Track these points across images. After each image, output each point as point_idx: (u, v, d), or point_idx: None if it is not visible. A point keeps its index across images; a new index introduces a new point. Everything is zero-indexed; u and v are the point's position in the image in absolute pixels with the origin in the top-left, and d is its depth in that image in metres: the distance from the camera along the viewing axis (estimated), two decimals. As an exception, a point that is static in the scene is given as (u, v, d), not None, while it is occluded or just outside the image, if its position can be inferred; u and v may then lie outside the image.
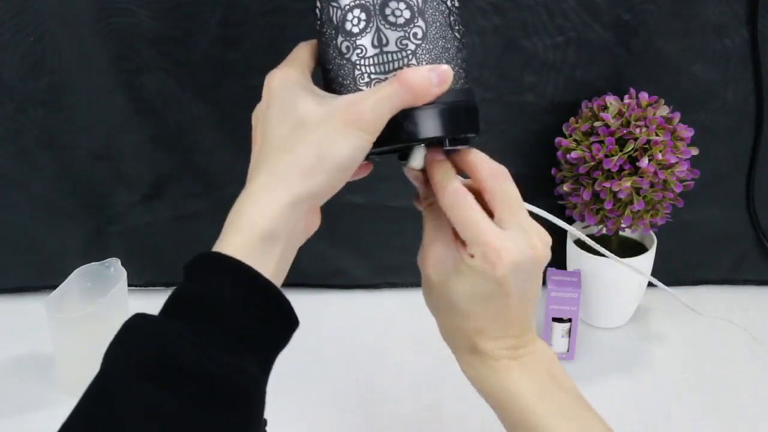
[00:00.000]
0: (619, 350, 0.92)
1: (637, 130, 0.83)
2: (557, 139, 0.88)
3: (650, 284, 0.94)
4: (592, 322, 0.95)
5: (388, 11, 0.53)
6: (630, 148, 0.82)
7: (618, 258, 0.73)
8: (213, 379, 0.44)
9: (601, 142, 0.84)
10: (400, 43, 0.53)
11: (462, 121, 0.55)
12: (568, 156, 0.86)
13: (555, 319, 0.87)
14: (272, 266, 0.50)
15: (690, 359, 0.90)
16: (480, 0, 0.86)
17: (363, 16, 0.53)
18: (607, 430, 0.57)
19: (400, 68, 0.53)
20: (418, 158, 0.56)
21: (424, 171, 0.57)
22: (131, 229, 0.98)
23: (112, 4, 0.85)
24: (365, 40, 0.53)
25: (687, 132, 0.85)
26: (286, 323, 0.50)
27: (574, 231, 0.64)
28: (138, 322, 0.47)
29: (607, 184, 0.83)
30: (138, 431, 0.42)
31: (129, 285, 0.88)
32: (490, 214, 0.55)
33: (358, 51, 0.53)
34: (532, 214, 0.56)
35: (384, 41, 0.53)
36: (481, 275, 0.53)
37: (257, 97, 0.56)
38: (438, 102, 0.53)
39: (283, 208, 0.50)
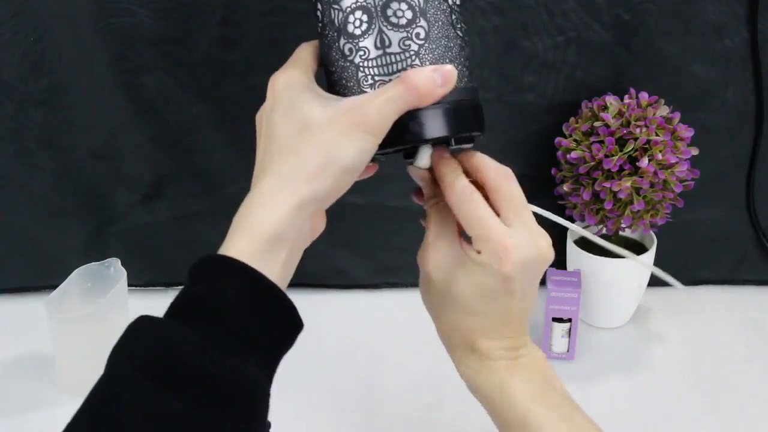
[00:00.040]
0: (619, 350, 0.92)
1: (637, 130, 0.83)
2: (557, 139, 0.88)
3: (650, 284, 0.94)
4: (592, 322, 0.95)
5: (389, 12, 0.53)
6: (630, 148, 0.83)
7: (631, 253, 0.72)
8: (217, 382, 0.45)
9: (601, 142, 0.84)
10: (403, 43, 0.53)
11: (467, 120, 0.55)
12: (568, 156, 0.86)
13: (555, 319, 0.87)
14: (278, 269, 0.50)
15: (690, 359, 0.90)
16: (480, 0, 0.86)
17: (365, 17, 0.53)
18: None
19: (404, 69, 0.53)
20: (425, 157, 0.56)
21: (429, 170, 0.58)
22: (131, 229, 0.98)
23: (112, 4, 0.85)
24: (368, 42, 0.53)
25: (687, 132, 0.85)
26: (290, 326, 0.50)
27: (577, 229, 0.64)
28: (143, 324, 0.47)
29: (607, 184, 0.83)
30: None
31: (129, 285, 0.88)
32: (496, 214, 0.55)
33: (361, 53, 0.53)
34: (534, 214, 0.57)
35: (387, 42, 0.53)
36: (488, 271, 0.54)
37: (257, 97, 0.56)
38: (443, 102, 0.53)
39: (289, 211, 0.50)
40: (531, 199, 0.57)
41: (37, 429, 0.81)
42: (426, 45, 0.53)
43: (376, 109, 0.51)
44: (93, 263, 0.87)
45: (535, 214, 0.57)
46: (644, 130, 0.83)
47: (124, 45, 0.87)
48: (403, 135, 0.53)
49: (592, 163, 0.84)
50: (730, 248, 1.00)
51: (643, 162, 0.82)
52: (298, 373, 0.82)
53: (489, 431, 0.59)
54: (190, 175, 0.96)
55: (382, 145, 0.52)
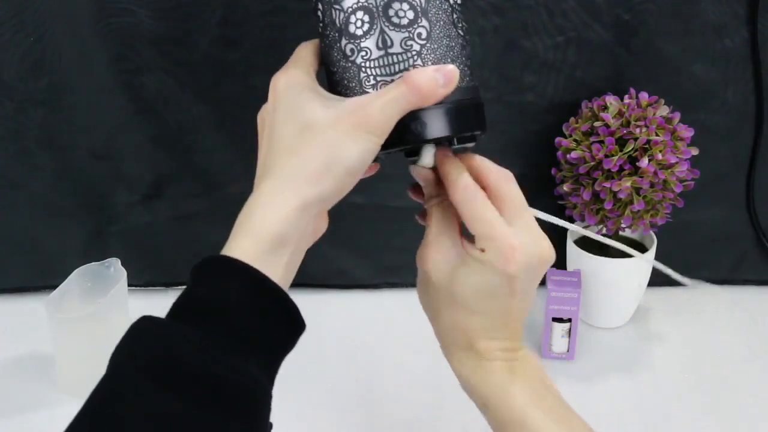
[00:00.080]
0: (619, 350, 0.92)
1: (637, 130, 0.83)
2: (557, 139, 0.88)
3: (650, 284, 0.94)
4: (592, 322, 0.95)
5: (391, 12, 0.53)
6: (630, 148, 0.82)
7: (635, 251, 0.72)
8: (219, 382, 0.45)
9: (601, 142, 0.84)
10: (405, 44, 0.53)
11: (470, 119, 0.55)
12: (568, 156, 0.86)
13: (555, 319, 0.87)
14: (281, 270, 0.50)
15: (690, 359, 0.90)
16: (480, 0, 0.86)
17: (366, 18, 0.53)
18: None
19: (406, 69, 0.53)
20: (428, 156, 0.56)
21: (432, 168, 0.58)
22: (131, 229, 0.98)
23: (112, 4, 0.85)
24: (369, 42, 0.53)
25: (687, 132, 0.85)
26: (293, 327, 0.50)
27: (577, 229, 0.64)
28: (145, 325, 0.47)
29: (607, 184, 0.83)
30: None
31: (129, 285, 0.88)
32: None
33: (363, 53, 0.53)
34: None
35: (388, 43, 0.53)
36: (491, 270, 0.54)
37: (257, 97, 0.56)
38: (445, 101, 0.53)
39: (292, 212, 0.50)
40: (531, 199, 0.57)
41: (37, 429, 0.81)
42: (428, 45, 0.53)
43: (378, 109, 0.51)
44: (93, 263, 0.87)
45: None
46: (644, 130, 0.83)
47: (124, 45, 0.87)
48: (406, 135, 0.53)
49: (592, 163, 0.84)
50: (730, 248, 1.00)
51: (643, 162, 0.82)
52: (298, 374, 0.82)
53: (489, 431, 0.59)
54: (190, 175, 0.96)
55: (385, 146, 0.52)
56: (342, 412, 0.83)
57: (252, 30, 0.87)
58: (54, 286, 0.84)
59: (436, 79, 0.52)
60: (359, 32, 0.53)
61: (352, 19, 0.53)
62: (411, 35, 0.53)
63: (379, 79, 0.53)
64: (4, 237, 0.98)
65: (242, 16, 0.86)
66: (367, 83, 0.53)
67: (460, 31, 0.55)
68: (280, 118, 0.53)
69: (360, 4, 0.53)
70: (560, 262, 0.93)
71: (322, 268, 1.00)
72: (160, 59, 0.88)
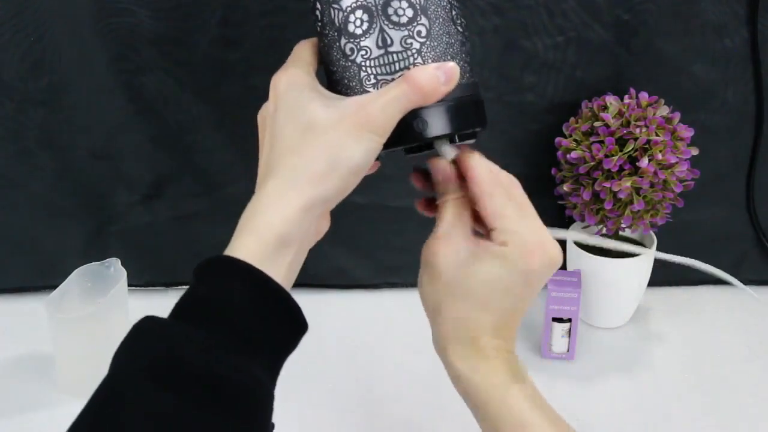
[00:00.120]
0: (619, 350, 0.92)
1: (637, 130, 0.83)
2: (557, 139, 0.88)
3: (650, 284, 0.94)
4: (592, 322, 0.95)
5: (390, 11, 0.53)
6: (630, 148, 0.82)
7: (644, 248, 0.72)
8: (221, 382, 0.45)
9: (601, 142, 0.84)
10: (405, 42, 0.53)
11: (471, 116, 0.55)
12: (568, 156, 0.86)
13: (555, 319, 0.87)
14: (283, 270, 0.50)
15: (690, 359, 0.90)
16: (480, 0, 0.86)
17: (365, 17, 0.53)
18: None
19: (407, 68, 0.53)
20: (450, 150, 0.56)
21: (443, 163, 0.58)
22: (131, 229, 0.98)
23: (112, 4, 0.85)
24: (369, 41, 0.53)
25: (687, 132, 0.85)
26: (295, 327, 0.50)
27: (617, 245, 0.65)
28: (147, 325, 0.47)
29: (607, 184, 0.83)
30: None
31: (129, 285, 0.88)
32: None
33: (363, 52, 0.53)
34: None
35: (388, 41, 0.53)
36: (511, 265, 0.54)
37: (257, 97, 0.56)
38: (446, 99, 0.53)
39: (296, 213, 0.50)
40: (531, 199, 0.57)
41: (37, 429, 0.81)
42: (428, 42, 0.53)
43: (380, 108, 0.51)
44: (93, 263, 0.87)
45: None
46: (644, 130, 0.83)
47: (124, 45, 0.87)
48: (408, 134, 0.53)
49: (592, 163, 0.84)
50: (730, 248, 1.00)
51: (643, 162, 0.82)
52: (298, 373, 0.82)
53: (489, 431, 0.59)
54: (190, 175, 0.96)
55: (387, 144, 0.52)
56: (342, 412, 0.83)
57: (252, 30, 0.87)
58: (54, 286, 0.84)
59: (437, 77, 0.52)
60: (359, 31, 0.53)
61: (351, 18, 0.53)
62: (411, 33, 0.53)
63: (379, 78, 0.53)
64: (4, 237, 0.98)
65: (242, 16, 0.86)
66: (367, 82, 0.53)
67: (459, 28, 0.55)
68: (281, 118, 0.53)
69: (359, 2, 0.53)
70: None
71: (322, 268, 1.00)
72: (160, 59, 0.88)
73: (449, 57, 0.54)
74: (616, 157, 0.83)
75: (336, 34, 0.54)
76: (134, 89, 0.90)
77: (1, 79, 0.88)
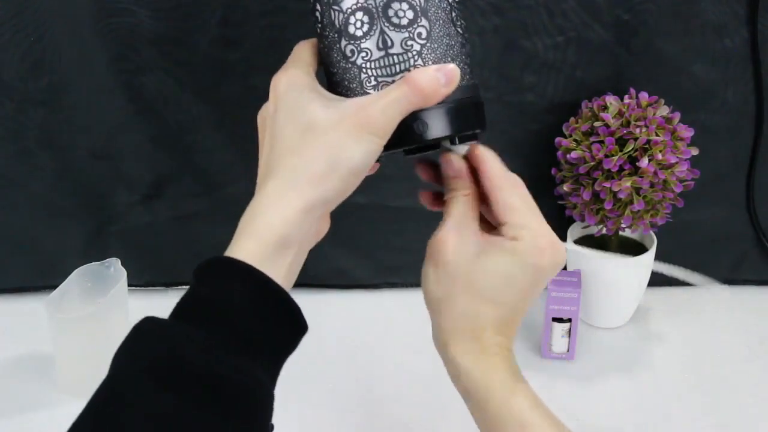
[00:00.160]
0: (619, 350, 0.92)
1: (637, 130, 0.83)
2: (557, 139, 0.88)
3: (650, 284, 0.94)
4: (592, 322, 0.95)
5: (391, 13, 0.53)
6: (630, 148, 0.82)
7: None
8: (222, 383, 0.45)
9: (601, 142, 0.84)
10: (405, 44, 0.53)
11: (471, 118, 0.55)
12: (568, 156, 0.86)
13: (555, 319, 0.87)
14: (284, 271, 0.50)
15: (690, 359, 0.90)
16: (480, 0, 0.86)
17: (366, 18, 0.53)
18: None
19: (407, 69, 0.53)
20: (462, 145, 0.57)
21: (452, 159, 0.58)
22: (131, 229, 0.98)
23: (112, 4, 0.85)
24: (370, 43, 0.53)
25: (687, 132, 0.85)
26: (295, 328, 0.50)
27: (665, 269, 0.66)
28: (147, 325, 0.47)
29: (607, 184, 0.83)
30: None
31: (129, 285, 0.88)
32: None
33: (363, 54, 0.53)
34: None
35: (389, 43, 0.53)
36: (521, 259, 0.54)
37: (257, 97, 0.56)
38: (446, 101, 0.53)
39: (296, 214, 0.50)
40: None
41: (37, 429, 0.81)
42: (428, 44, 0.53)
43: (380, 110, 0.51)
44: (93, 263, 0.87)
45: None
46: (644, 130, 0.83)
47: (124, 45, 0.87)
48: (409, 136, 0.53)
49: (592, 163, 0.84)
50: (730, 248, 1.00)
51: (643, 162, 0.82)
52: (298, 373, 0.82)
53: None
54: (190, 175, 0.96)
55: (387, 146, 0.52)
56: (342, 412, 0.83)
57: (252, 30, 0.87)
58: (54, 286, 0.84)
59: (438, 79, 0.52)
60: (359, 33, 0.53)
61: (352, 20, 0.53)
62: (411, 35, 0.53)
63: (380, 79, 0.53)
64: (4, 237, 0.98)
65: (242, 16, 0.86)
66: (368, 84, 0.53)
67: (459, 29, 0.55)
68: (281, 119, 0.53)
69: (359, 4, 0.53)
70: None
71: (322, 268, 1.00)
72: (160, 59, 0.88)
73: (449, 59, 0.54)
74: (616, 157, 0.83)
75: (336, 35, 0.54)
76: (134, 89, 0.90)
77: (1, 79, 0.88)
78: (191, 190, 0.97)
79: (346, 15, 0.53)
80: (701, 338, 0.93)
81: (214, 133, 0.93)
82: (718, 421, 0.81)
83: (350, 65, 0.54)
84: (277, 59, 0.56)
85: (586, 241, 0.93)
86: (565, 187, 0.88)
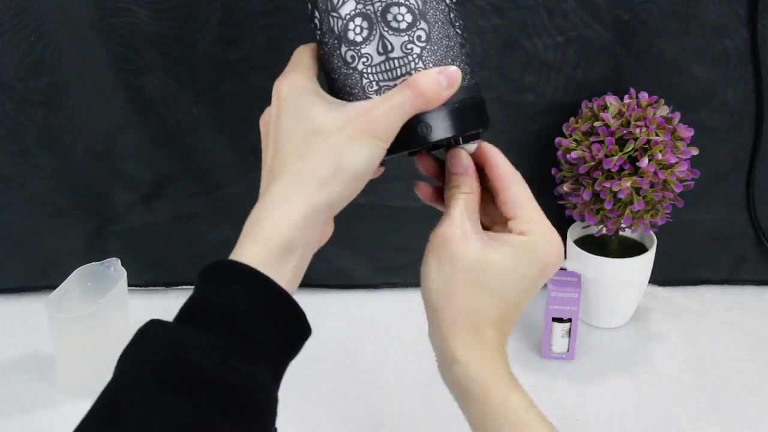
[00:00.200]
0: (619, 350, 0.92)
1: (637, 130, 0.83)
2: (557, 139, 0.88)
3: (650, 284, 0.94)
4: (592, 322, 0.95)
5: (389, 17, 0.53)
6: (630, 148, 0.82)
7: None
8: (226, 386, 0.45)
9: (601, 142, 0.84)
10: (405, 47, 0.53)
11: (473, 118, 0.56)
12: (568, 156, 0.86)
13: (555, 319, 0.87)
14: (288, 275, 0.50)
15: (690, 359, 0.90)
16: (480, 0, 0.86)
17: (365, 24, 0.53)
18: None
19: (408, 73, 0.53)
20: (472, 144, 0.57)
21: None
22: (131, 229, 0.98)
23: (112, 4, 0.85)
24: (370, 48, 0.53)
25: (687, 132, 0.85)
26: (299, 332, 0.50)
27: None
28: (152, 328, 0.47)
29: (607, 184, 0.83)
30: None
31: (129, 285, 0.88)
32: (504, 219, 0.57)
33: (364, 59, 0.53)
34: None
35: (389, 47, 0.53)
36: (530, 253, 0.55)
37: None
38: (448, 102, 0.53)
39: (301, 218, 0.50)
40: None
41: (37, 429, 0.81)
42: (428, 47, 0.53)
43: (383, 115, 0.51)
44: (93, 263, 0.87)
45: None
46: (644, 130, 0.83)
47: (124, 45, 0.87)
48: (412, 138, 0.53)
49: (592, 163, 0.84)
50: (730, 248, 1.00)
51: (643, 162, 0.82)
52: (298, 373, 0.82)
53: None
54: (190, 175, 0.96)
55: (391, 149, 0.52)
56: (342, 412, 0.83)
57: (252, 30, 0.87)
58: (54, 286, 0.84)
59: (440, 82, 0.52)
60: (359, 39, 0.53)
61: (351, 25, 0.53)
62: (411, 38, 0.53)
63: (382, 84, 0.53)
64: (4, 237, 0.98)
65: (242, 16, 0.86)
66: (370, 89, 0.53)
67: (458, 30, 0.55)
68: (285, 124, 0.53)
69: (358, 10, 0.53)
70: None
71: (322, 268, 1.00)
72: (160, 59, 0.88)
73: (450, 60, 0.54)
74: (616, 157, 0.83)
75: (336, 42, 0.54)
76: (134, 89, 0.90)
77: (1, 79, 0.88)
78: (191, 190, 0.97)
79: (345, 21, 0.53)
80: (701, 338, 0.93)
81: (214, 133, 0.93)
82: (718, 421, 0.81)
83: (351, 71, 0.54)
84: (277, 59, 0.56)
85: (586, 241, 0.93)
86: (565, 187, 0.88)
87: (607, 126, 0.84)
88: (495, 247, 0.55)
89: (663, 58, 0.89)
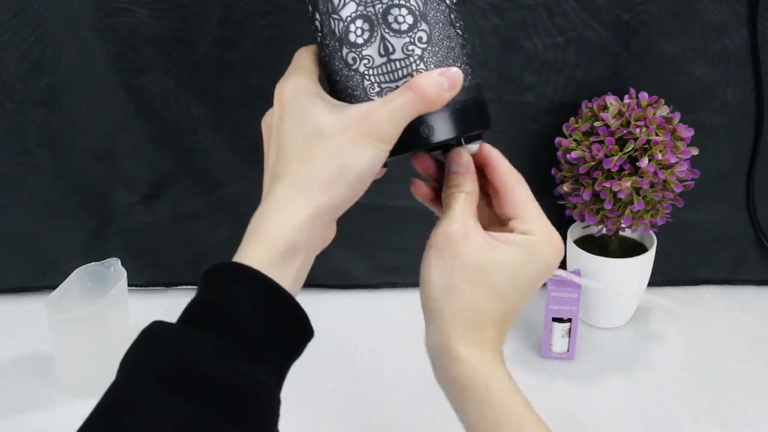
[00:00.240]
0: (619, 350, 0.92)
1: (637, 130, 0.83)
2: (557, 139, 0.88)
3: (650, 284, 0.94)
4: (592, 322, 0.95)
5: (390, 18, 0.53)
6: (630, 148, 0.82)
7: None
8: (229, 388, 0.45)
9: (601, 142, 0.84)
10: (407, 49, 0.53)
11: (475, 118, 0.56)
12: (568, 156, 0.86)
13: (555, 319, 0.87)
14: (291, 277, 0.50)
15: (690, 359, 0.90)
16: (480, 0, 0.86)
17: (366, 26, 0.53)
18: None
19: (410, 74, 0.53)
20: (474, 144, 0.58)
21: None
22: (131, 229, 0.98)
23: (112, 4, 0.85)
24: (371, 50, 0.53)
25: (687, 132, 0.85)
26: (302, 334, 0.50)
27: None
28: (156, 330, 0.47)
29: (607, 184, 0.83)
30: None
31: (129, 285, 0.88)
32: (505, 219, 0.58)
33: (366, 62, 0.53)
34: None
35: (390, 49, 0.53)
36: (532, 252, 0.55)
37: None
38: (450, 103, 0.53)
39: (304, 221, 0.50)
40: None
41: (37, 429, 0.81)
42: (429, 48, 0.53)
43: (385, 117, 0.51)
44: (93, 263, 0.87)
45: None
46: (644, 130, 0.83)
47: (124, 45, 0.87)
48: (414, 140, 0.53)
49: (592, 163, 0.84)
50: (730, 248, 1.00)
51: (643, 162, 0.82)
52: (298, 373, 0.82)
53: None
54: (190, 175, 0.96)
55: (393, 151, 0.52)
56: (342, 412, 0.83)
57: (252, 30, 0.87)
58: (54, 286, 0.84)
59: (441, 83, 0.52)
60: (360, 41, 0.53)
61: (352, 28, 0.53)
62: (412, 40, 0.53)
63: (383, 86, 0.53)
64: (4, 237, 0.98)
65: (242, 16, 0.86)
66: (371, 91, 0.53)
67: (458, 31, 0.55)
68: (287, 126, 0.53)
69: (359, 12, 0.53)
70: (560, 262, 0.93)
71: (322, 268, 0.99)
72: (160, 59, 0.88)
73: (451, 61, 0.54)
74: (616, 157, 0.83)
75: (337, 44, 0.54)
76: (134, 89, 0.90)
77: (1, 79, 0.88)
78: (191, 190, 0.97)
79: (346, 23, 0.53)
80: (701, 338, 0.93)
81: (214, 133, 0.93)
82: (718, 421, 0.81)
83: (353, 73, 0.54)
84: (277, 59, 0.56)
85: (586, 241, 0.93)
86: (565, 187, 0.88)
87: (607, 126, 0.84)
88: (497, 246, 0.55)
89: (663, 58, 0.89)
